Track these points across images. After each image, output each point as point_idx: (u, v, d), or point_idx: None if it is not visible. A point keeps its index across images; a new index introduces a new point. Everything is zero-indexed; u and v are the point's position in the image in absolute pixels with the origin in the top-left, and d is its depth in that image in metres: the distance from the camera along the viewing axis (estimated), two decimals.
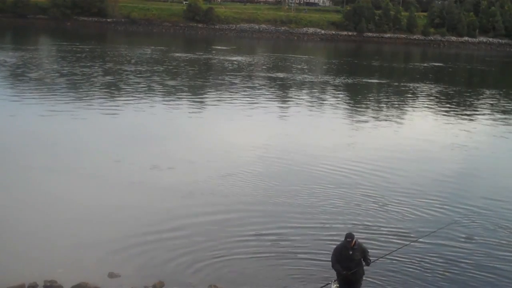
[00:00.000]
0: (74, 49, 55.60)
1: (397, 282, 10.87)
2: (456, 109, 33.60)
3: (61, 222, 12.85)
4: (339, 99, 35.52)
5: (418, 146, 22.47)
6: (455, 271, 11.49)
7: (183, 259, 11.36)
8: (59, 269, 10.59)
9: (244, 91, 35.34)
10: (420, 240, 12.23)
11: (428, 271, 11.41)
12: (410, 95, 39.10)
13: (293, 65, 55.13)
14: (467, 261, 12.03)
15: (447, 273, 11.35)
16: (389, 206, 15.10)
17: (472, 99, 38.94)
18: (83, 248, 11.51)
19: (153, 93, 32.08)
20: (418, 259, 11.91)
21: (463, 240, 13.12)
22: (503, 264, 12.00)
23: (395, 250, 10.86)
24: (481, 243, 13.05)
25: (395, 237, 12.99)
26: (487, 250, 12.65)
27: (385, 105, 34.55)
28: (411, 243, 11.84)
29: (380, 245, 12.34)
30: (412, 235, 12.94)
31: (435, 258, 12.00)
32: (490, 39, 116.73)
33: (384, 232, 13.25)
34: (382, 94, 40.07)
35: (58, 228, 12.50)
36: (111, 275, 10.51)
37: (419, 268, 11.53)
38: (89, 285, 10.01)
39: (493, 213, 15.14)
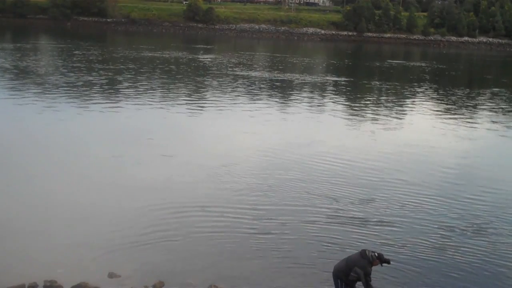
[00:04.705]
0: (54, 48, 55.64)
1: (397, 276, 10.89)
2: (445, 107, 33.72)
3: (61, 222, 12.82)
4: (336, 99, 35.53)
5: (417, 143, 22.52)
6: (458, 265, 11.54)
7: (183, 259, 11.35)
8: (59, 269, 10.57)
9: (241, 90, 35.34)
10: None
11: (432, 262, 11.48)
12: (399, 95, 39.24)
13: (294, 65, 55.20)
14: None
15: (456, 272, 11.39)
16: (388, 199, 15.15)
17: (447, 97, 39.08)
18: (83, 248, 11.49)
19: (143, 94, 32.08)
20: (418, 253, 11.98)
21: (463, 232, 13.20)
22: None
23: None
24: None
25: (392, 228, 13.09)
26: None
27: (378, 104, 34.59)
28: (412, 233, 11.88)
29: (375, 234, 12.62)
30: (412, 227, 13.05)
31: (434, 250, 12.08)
32: (490, 39, 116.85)
33: (380, 223, 13.32)
34: (373, 93, 40.17)
35: (58, 228, 12.48)
36: (111, 275, 10.49)
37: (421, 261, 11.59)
38: (89, 285, 9.99)
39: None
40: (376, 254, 8.91)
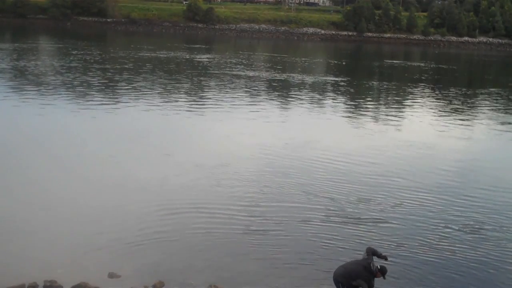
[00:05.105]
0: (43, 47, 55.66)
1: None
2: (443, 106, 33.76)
3: (61, 222, 12.84)
4: (335, 99, 35.55)
5: (415, 143, 22.54)
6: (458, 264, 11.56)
7: (183, 259, 11.37)
8: (59, 269, 10.58)
9: (240, 90, 35.35)
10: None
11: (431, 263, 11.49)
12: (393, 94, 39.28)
13: (293, 65, 55.23)
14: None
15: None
16: (386, 198, 15.18)
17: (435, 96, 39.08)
18: (83, 248, 11.50)
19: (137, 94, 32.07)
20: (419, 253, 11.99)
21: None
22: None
23: None
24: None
25: (390, 227, 13.11)
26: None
27: (377, 104, 34.62)
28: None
29: (374, 233, 12.63)
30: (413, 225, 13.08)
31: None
32: (490, 39, 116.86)
33: (380, 221, 13.35)
34: (372, 93, 40.22)
35: (58, 228, 12.49)
36: (111, 275, 10.50)
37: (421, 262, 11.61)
38: (89, 285, 10.00)
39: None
40: (378, 266, 8.99)
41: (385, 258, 9.46)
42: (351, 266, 9.10)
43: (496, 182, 17.92)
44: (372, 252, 9.22)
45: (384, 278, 9.11)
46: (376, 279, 9.05)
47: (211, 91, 34.21)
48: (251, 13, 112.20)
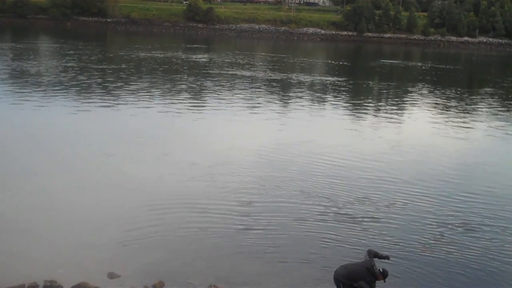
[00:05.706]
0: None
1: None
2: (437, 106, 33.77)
3: (61, 222, 12.85)
4: (333, 99, 35.52)
5: (413, 143, 22.60)
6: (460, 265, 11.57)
7: (183, 259, 11.39)
8: (59, 269, 10.60)
9: (238, 91, 35.35)
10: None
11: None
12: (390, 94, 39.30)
13: (293, 65, 55.24)
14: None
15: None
16: (384, 198, 15.19)
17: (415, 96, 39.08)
18: (83, 248, 11.52)
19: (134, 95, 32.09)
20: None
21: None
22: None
23: None
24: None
25: (387, 226, 13.11)
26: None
27: (375, 104, 34.63)
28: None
29: (371, 232, 12.67)
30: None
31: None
32: (490, 39, 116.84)
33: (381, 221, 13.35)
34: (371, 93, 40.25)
35: (58, 228, 12.51)
36: (111, 275, 10.52)
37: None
38: (89, 285, 10.01)
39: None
40: (381, 269, 9.01)
41: (387, 257, 9.45)
42: (353, 267, 9.07)
43: (494, 181, 17.97)
44: (373, 254, 9.19)
45: (384, 281, 9.11)
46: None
47: (210, 91, 34.20)
48: (251, 13, 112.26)
